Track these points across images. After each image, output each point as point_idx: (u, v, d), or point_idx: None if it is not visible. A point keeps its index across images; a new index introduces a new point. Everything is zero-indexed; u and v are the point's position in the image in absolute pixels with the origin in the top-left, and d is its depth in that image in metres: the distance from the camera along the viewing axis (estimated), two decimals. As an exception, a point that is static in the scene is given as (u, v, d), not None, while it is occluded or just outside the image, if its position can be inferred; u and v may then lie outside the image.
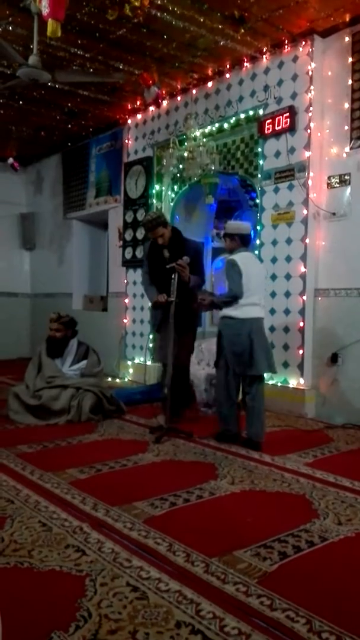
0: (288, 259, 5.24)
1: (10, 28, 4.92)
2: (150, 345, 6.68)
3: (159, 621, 1.80)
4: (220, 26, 4.88)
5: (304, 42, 5.08)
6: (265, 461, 3.67)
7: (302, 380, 5.14)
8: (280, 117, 5.24)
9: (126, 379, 7.01)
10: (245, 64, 5.59)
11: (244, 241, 4.18)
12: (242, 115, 5.69)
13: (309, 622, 1.81)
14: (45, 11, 3.95)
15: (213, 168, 5.75)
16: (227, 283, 4.04)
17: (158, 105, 6.65)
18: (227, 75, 5.81)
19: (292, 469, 3.50)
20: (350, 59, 4.86)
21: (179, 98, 6.42)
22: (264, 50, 5.34)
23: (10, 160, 8.78)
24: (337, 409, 4.92)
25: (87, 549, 2.31)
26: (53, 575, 2.09)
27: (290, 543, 2.40)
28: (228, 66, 5.71)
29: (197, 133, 5.82)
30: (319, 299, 5.14)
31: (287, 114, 5.17)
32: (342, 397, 4.93)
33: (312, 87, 5.05)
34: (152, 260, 4.71)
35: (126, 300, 7.29)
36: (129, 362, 7.08)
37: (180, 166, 5.93)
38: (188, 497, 2.95)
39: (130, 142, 7.25)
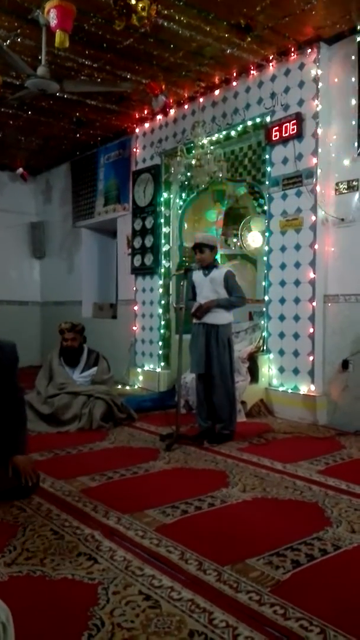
0: (297, 265, 5.23)
1: (19, 39, 4.98)
2: (160, 352, 6.71)
3: (172, 630, 1.79)
4: (226, 35, 4.90)
5: (310, 50, 5.09)
6: (277, 469, 3.65)
7: (312, 387, 5.11)
8: (288, 124, 5.25)
9: (136, 386, 7.01)
10: (252, 71, 5.61)
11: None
12: (249, 123, 5.71)
13: (322, 631, 1.80)
14: (53, 22, 4.02)
15: (221, 175, 5.76)
16: (235, 291, 4.45)
17: (165, 114, 6.69)
18: (234, 83, 5.84)
19: (304, 477, 3.48)
20: (356, 66, 4.86)
21: (186, 106, 6.45)
22: (271, 58, 5.36)
23: (20, 170, 8.87)
24: (349, 415, 4.88)
25: (99, 557, 2.31)
26: (65, 584, 2.09)
27: (303, 551, 2.39)
28: (235, 74, 5.74)
29: (205, 141, 5.83)
30: (329, 305, 5.12)
31: (294, 121, 5.18)
32: (354, 404, 4.89)
33: (318, 94, 5.06)
34: None
35: (135, 308, 7.30)
36: (139, 370, 7.08)
37: (188, 174, 5.94)
38: (200, 505, 2.94)
39: (138, 150, 7.29)
